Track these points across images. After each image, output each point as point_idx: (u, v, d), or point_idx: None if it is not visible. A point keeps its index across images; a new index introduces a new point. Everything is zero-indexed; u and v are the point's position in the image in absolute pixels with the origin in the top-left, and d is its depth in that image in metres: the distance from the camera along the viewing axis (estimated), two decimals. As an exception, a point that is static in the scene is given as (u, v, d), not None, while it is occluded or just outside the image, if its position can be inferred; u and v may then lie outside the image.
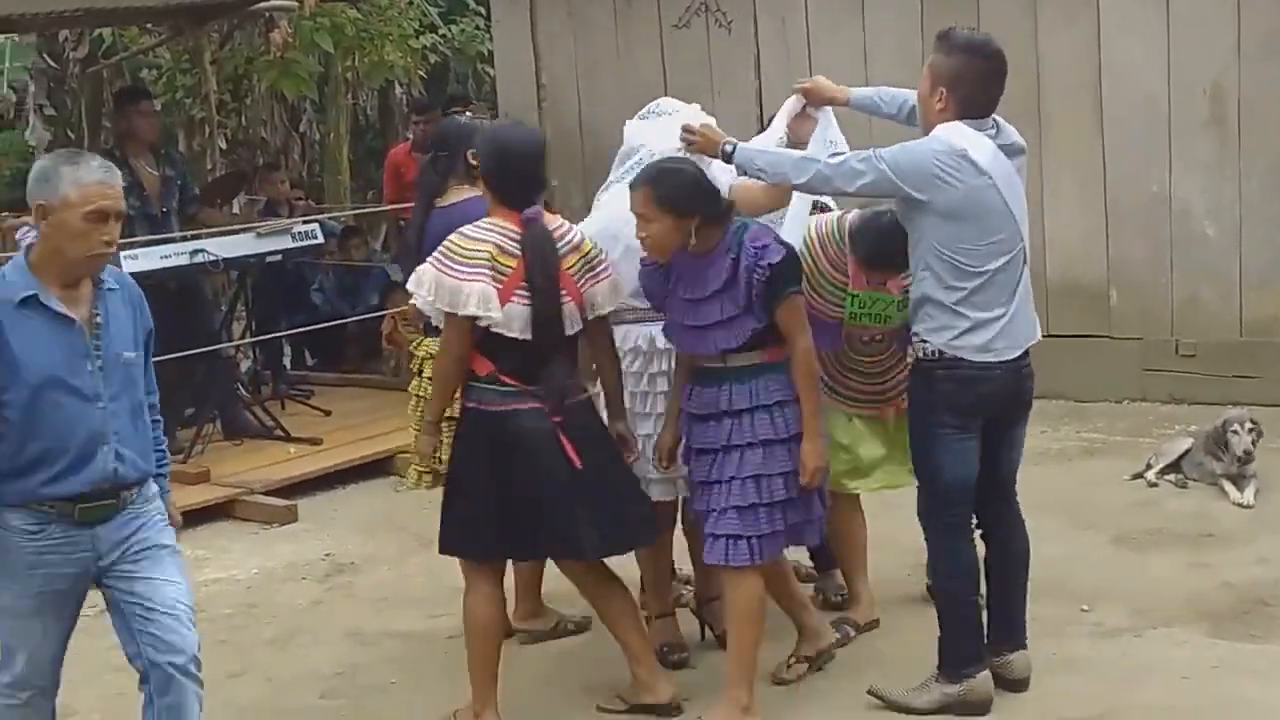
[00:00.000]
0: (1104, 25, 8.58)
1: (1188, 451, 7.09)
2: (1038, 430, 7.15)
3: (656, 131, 5.05)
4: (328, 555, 6.98)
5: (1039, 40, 8.66)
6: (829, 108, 5.12)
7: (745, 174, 4.81)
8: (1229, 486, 6.78)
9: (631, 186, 4.67)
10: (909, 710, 4.74)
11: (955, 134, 4.51)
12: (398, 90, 17.41)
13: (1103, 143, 8.66)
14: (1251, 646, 5.16)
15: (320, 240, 9.28)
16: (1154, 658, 5.11)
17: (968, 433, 4.63)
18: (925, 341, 4.60)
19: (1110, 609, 5.56)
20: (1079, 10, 8.63)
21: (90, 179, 3.87)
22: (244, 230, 9.13)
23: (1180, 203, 8.48)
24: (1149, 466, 7.15)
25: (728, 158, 4.76)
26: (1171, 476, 7.07)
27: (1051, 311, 8.47)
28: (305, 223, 9.43)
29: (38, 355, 3.88)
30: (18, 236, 11.29)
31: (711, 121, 5.01)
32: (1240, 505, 6.65)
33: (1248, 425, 6.85)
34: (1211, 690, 4.81)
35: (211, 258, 8.38)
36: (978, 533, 4.85)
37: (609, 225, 4.97)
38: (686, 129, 4.91)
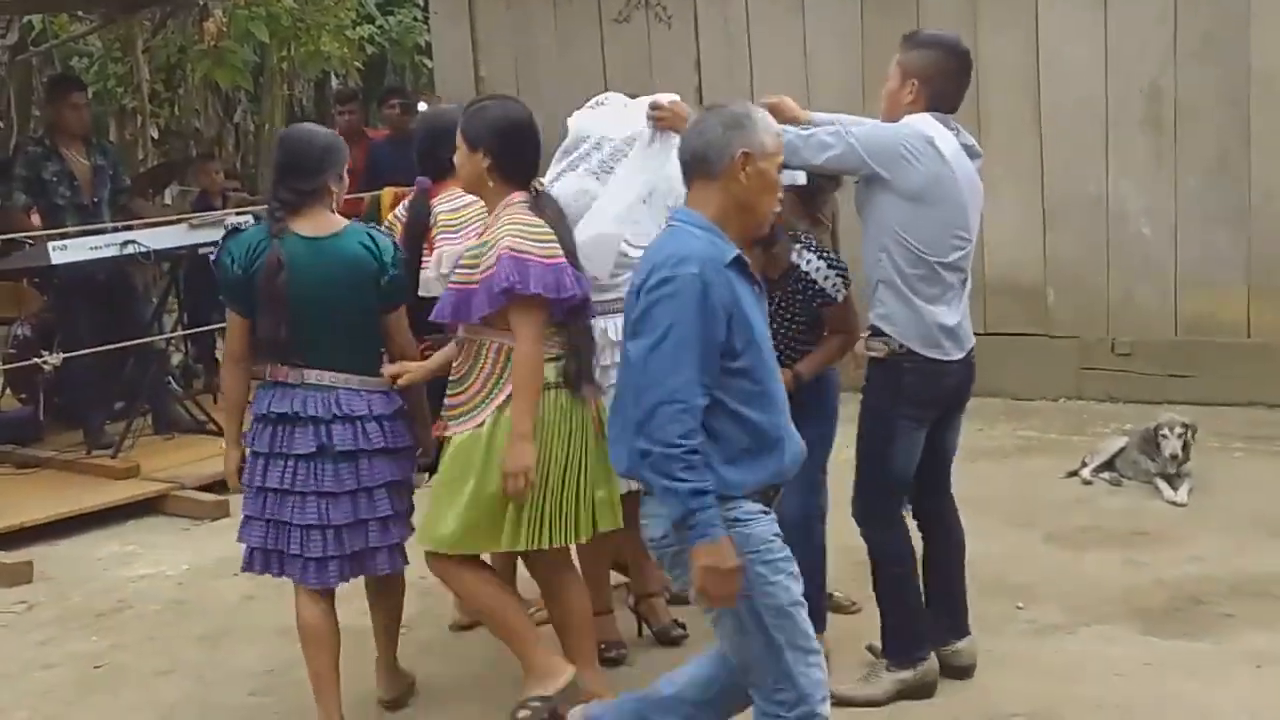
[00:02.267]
0: (1043, 27, 8.64)
1: (1123, 450, 7.14)
2: (975, 428, 7.18)
3: (608, 120, 5.02)
4: (260, 551, 6.89)
5: (978, 41, 8.66)
6: (788, 127, 5.10)
7: None
8: (1163, 485, 6.83)
9: None
10: (870, 703, 4.76)
11: (923, 122, 4.60)
12: (334, 81, 17.30)
13: (1041, 143, 8.71)
14: (1184, 644, 5.19)
15: (254, 232, 9.15)
16: (1088, 654, 5.13)
17: (922, 426, 4.70)
18: (884, 334, 4.62)
19: (1045, 606, 5.58)
20: (1018, 12, 8.68)
21: None
22: (177, 221, 9.01)
23: (1117, 202, 8.55)
24: (1084, 464, 7.19)
25: None
26: (1106, 475, 7.12)
27: (989, 310, 8.54)
28: (239, 214, 9.30)
29: (756, 320, 3.67)
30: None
31: (676, 96, 4.99)
32: (1174, 504, 6.70)
33: (1178, 430, 6.89)
34: (1144, 687, 4.83)
35: (143, 249, 8.25)
36: (914, 525, 4.91)
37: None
38: (655, 104, 4.88)
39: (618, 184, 4.91)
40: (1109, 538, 6.34)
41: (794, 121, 5.10)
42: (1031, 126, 8.71)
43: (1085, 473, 7.14)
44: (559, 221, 4.52)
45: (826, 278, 4.82)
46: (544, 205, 4.54)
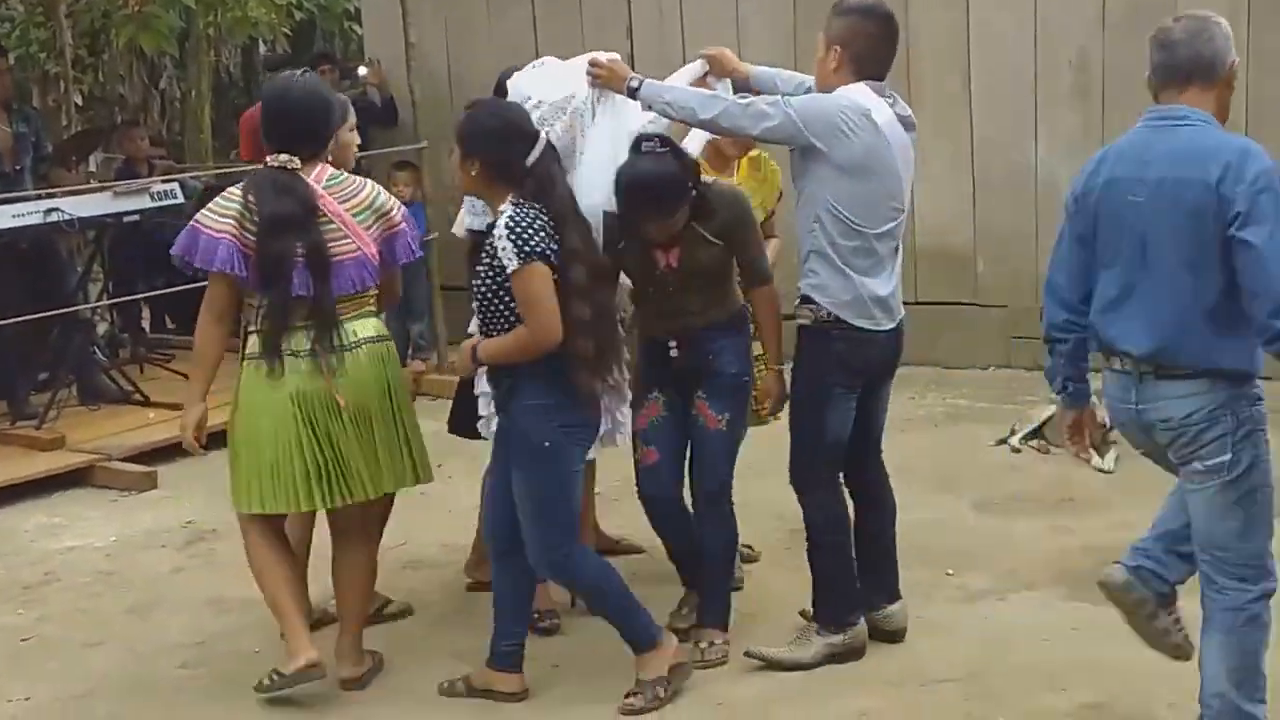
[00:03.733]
0: (973, -5, 8.66)
1: (1051, 418, 7.18)
2: (904, 396, 7.23)
3: (544, 80, 5.00)
4: (188, 523, 6.85)
5: (909, 10, 8.67)
6: (727, 80, 5.10)
7: (650, 109, 4.77)
8: (1091, 452, 6.88)
9: None
10: (798, 666, 4.80)
11: (859, 93, 4.60)
12: (262, 47, 17.10)
13: (971, 113, 8.76)
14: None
15: (180, 200, 9.06)
16: (1017, 620, 5.19)
17: (853, 393, 4.74)
18: (816, 304, 4.63)
19: (974, 573, 5.64)
20: (948, -21, 8.70)
21: None
22: (101, 189, 8.89)
23: (1047, 172, 8.59)
24: (1013, 432, 7.26)
25: (633, 93, 4.75)
26: (1035, 442, 7.19)
27: (919, 279, 8.57)
28: (165, 182, 9.20)
29: None
30: None
31: (616, 55, 4.98)
32: (1101, 471, 6.77)
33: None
34: (1072, 652, 4.89)
35: (67, 217, 8.15)
36: (846, 492, 4.95)
37: None
38: (594, 62, 4.87)
39: (593, 156, 4.89)
40: (1038, 505, 6.41)
41: (734, 74, 5.13)
42: (961, 96, 8.75)
43: (1014, 440, 7.21)
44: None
45: None
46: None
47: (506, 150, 4.50)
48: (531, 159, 4.49)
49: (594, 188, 4.81)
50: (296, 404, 4.66)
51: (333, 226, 4.64)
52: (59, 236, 8.61)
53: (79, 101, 14.07)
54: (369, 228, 4.73)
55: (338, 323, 4.67)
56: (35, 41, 14.48)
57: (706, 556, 5.05)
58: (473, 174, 4.53)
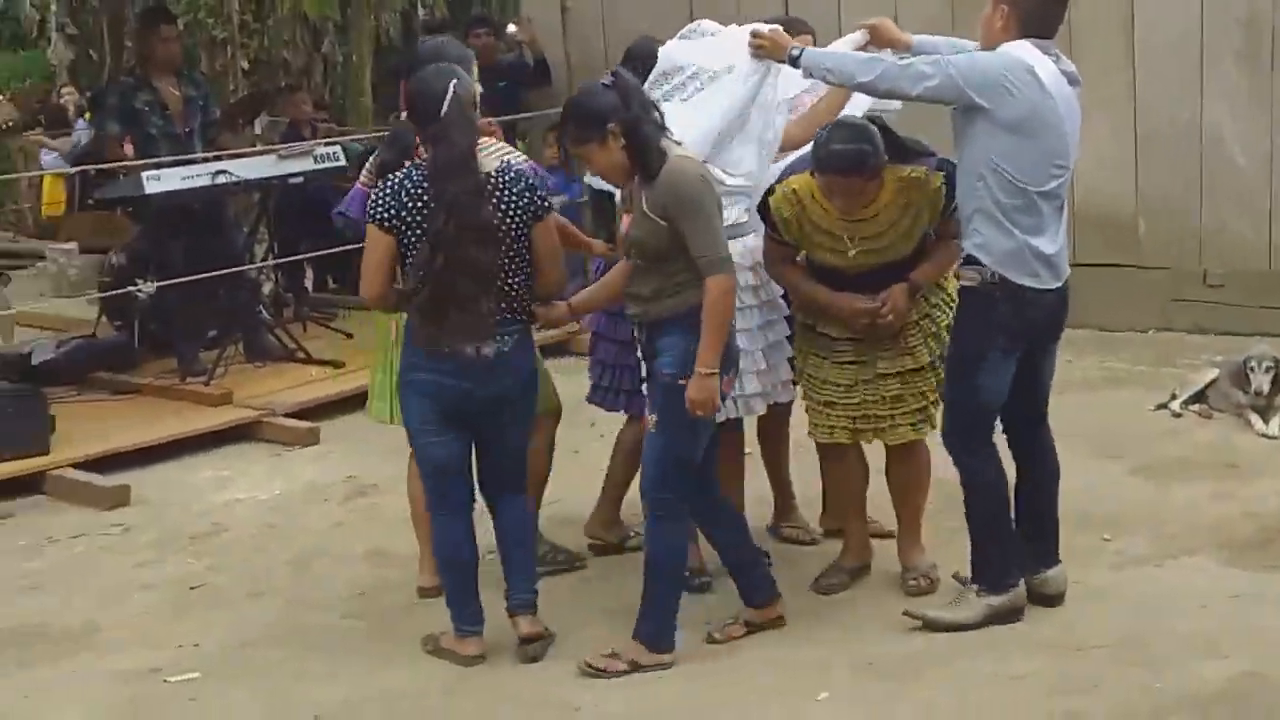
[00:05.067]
0: (1139, -47, 8.47)
1: (1213, 382, 7.06)
2: (1064, 359, 7.02)
3: (702, 50, 5.06)
4: (350, 477, 7.00)
5: (1071, -35, 8.53)
6: (888, 50, 5.07)
7: (810, 76, 4.82)
8: (1254, 418, 6.76)
9: None
10: (958, 627, 4.79)
11: (1023, 50, 4.56)
12: (421, 11, 17.28)
13: (1134, 72, 8.57)
14: (1271, 576, 5.16)
15: (343, 162, 9.23)
16: (1175, 586, 5.12)
17: (1012, 355, 4.70)
18: (980, 264, 4.60)
19: (1132, 538, 5.57)
20: (1113, -66, 8.51)
21: None
22: (266, 152, 9.09)
23: (1211, 131, 8.39)
24: (1174, 397, 7.13)
25: (794, 62, 4.78)
26: (1196, 407, 7.05)
27: (1079, 240, 8.34)
28: (328, 144, 9.38)
29: None
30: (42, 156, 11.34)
31: (777, 26, 5.02)
32: (1265, 436, 6.63)
33: (1266, 364, 6.80)
34: (1230, 618, 4.81)
35: (234, 179, 8.36)
36: (1010, 455, 4.91)
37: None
38: (756, 33, 4.93)
39: (698, 110, 4.93)
40: (1198, 470, 6.29)
41: (894, 44, 5.10)
42: (1125, 56, 8.56)
43: (1175, 405, 7.08)
44: None
45: None
46: None
47: (415, 118, 4.78)
48: (433, 125, 4.63)
49: (744, 159, 4.91)
50: None
51: None
52: (226, 198, 8.84)
53: (245, 66, 14.41)
54: None
55: None
56: (203, 7, 14.82)
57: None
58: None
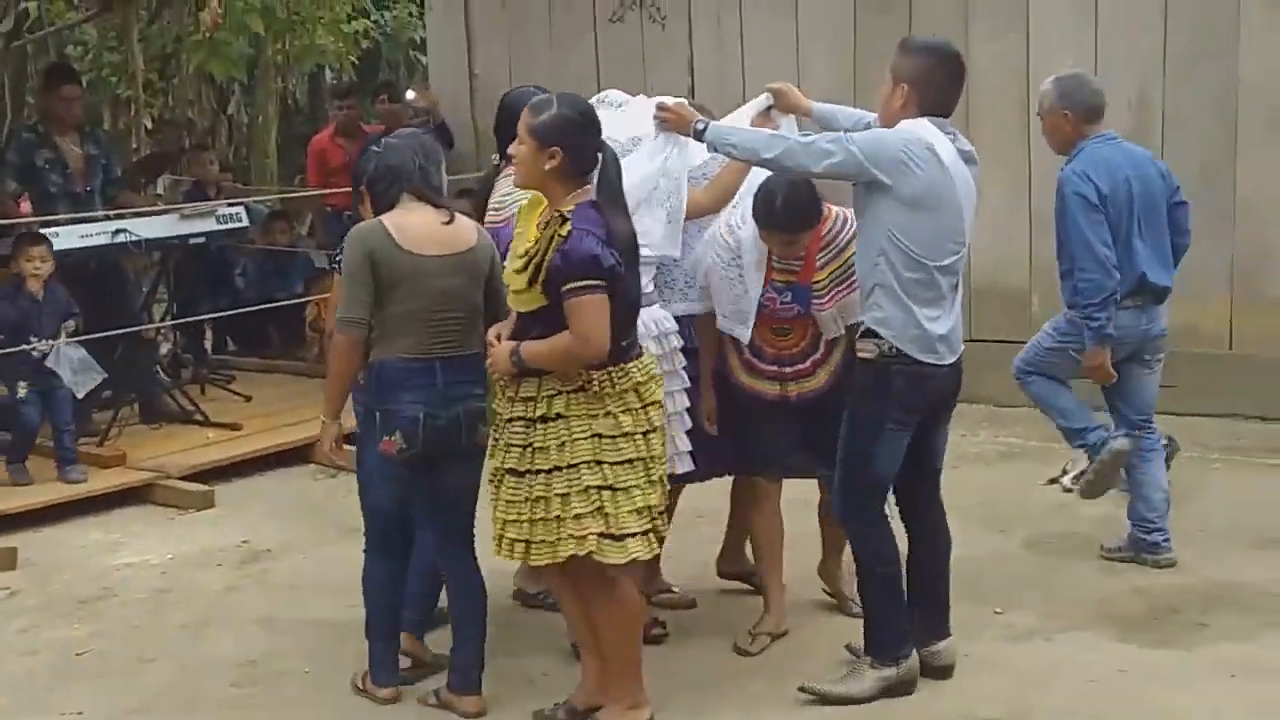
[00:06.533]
0: (1033, 34, 8.68)
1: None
2: (957, 433, 7.16)
3: (609, 120, 5.07)
4: (244, 542, 6.93)
5: (970, 46, 8.69)
6: (791, 116, 5.19)
7: (715, 150, 4.88)
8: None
9: None
10: (850, 700, 4.80)
11: (922, 128, 4.65)
12: (328, 75, 17.31)
13: (1029, 148, 8.74)
14: (1159, 652, 5.23)
15: (245, 224, 9.20)
16: (1064, 660, 5.17)
17: (906, 428, 4.75)
18: (878, 337, 4.67)
19: (1023, 611, 5.62)
20: (1010, 18, 8.72)
21: None
22: (168, 211, 9.02)
23: (1103, 211, 8.56)
24: (1064, 472, 7.23)
25: (699, 135, 4.82)
26: (1086, 482, 7.14)
27: (974, 315, 8.54)
28: (231, 205, 9.34)
29: None
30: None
31: (683, 100, 5.10)
32: (1153, 512, 6.72)
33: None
34: (1118, 694, 4.87)
35: (134, 238, 8.30)
36: (901, 525, 4.96)
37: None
38: (662, 106, 4.98)
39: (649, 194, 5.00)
40: (1088, 545, 6.37)
41: (796, 109, 5.20)
42: (1020, 132, 8.74)
43: (1065, 480, 7.18)
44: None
45: None
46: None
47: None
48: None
49: (651, 230, 4.94)
50: None
51: None
52: (126, 257, 8.75)
53: (149, 125, 14.30)
54: None
55: None
56: (108, 65, 14.73)
57: None
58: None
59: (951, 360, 4.77)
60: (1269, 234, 8.21)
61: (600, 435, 4.35)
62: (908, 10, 8.87)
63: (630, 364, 4.40)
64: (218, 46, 13.47)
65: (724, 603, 5.76)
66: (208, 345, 10.56)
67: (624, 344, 4.38)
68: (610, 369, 4.34)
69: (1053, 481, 7.24)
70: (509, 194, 5.16)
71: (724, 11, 9.57)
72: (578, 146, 4.37)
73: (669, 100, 5.03)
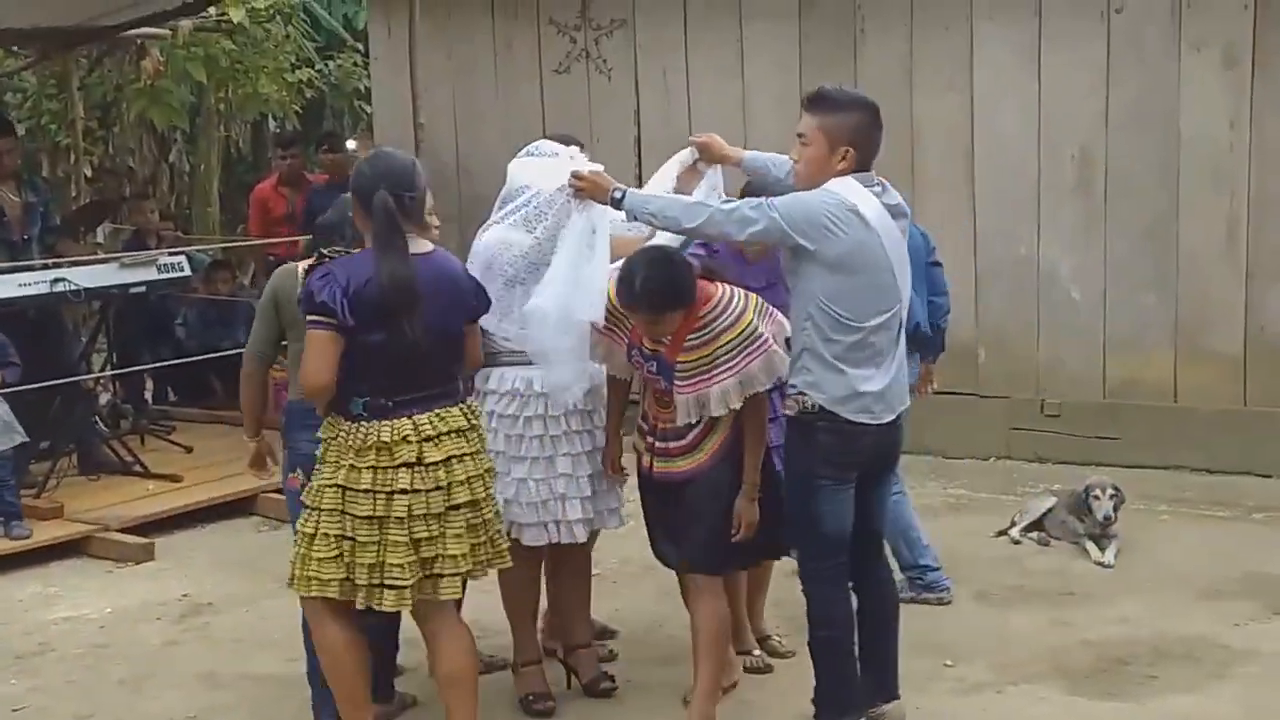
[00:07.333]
0: (978, 91, 8.75)
1: (1051, 510, 7.19)
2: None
3: (540, 172, 5.03)
4: (184, 595, 6.82)
5: (914, 103, 8.80)
6: (718, 167, 5.13)
7: (634, 219, 4.79)
8: (1090, 546, 6.88)
9: None
10: None
11: (845, 189, 4.55)
12: (271, 124, 17.22)
13: (974, 205, 8.81)
14: (1108, 704, 5.23)
15: (186, 273, 9.10)
16: (1014, 714, 5.16)
17: (844, 484, 4.65)
18: (804, 395, 4.59)
19: (972, 665, 5.61)
20: (954, 75, 8.79)
21: None
22: (108, 260, 8.93)
23: (1048, 265, 8.66)
24: (1013, 524, 7.24)
25: (616, 204, 4.75)
26: (1034, 534, 7.16)
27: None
28: (172, 254, 9.25)
29: None
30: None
31: (599, 167, 5.00)
32: (1101, 565, 6.75)
33: (1109, 491, 6.94)
34: (1070, 747, 4.87)
35: (73, 287, 8.19)
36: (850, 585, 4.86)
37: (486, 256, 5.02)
38: (576, 174, 4.88)
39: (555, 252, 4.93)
40: (1037, 597, 6.39)
41: (725, 160, 5.13)
42: (964, 188, 8.81)
43: (1014, 532, 7.19)
44: None
45: None
46: None
47: None
48: None
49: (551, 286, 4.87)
50: None
51: None
52: (64, 306, 8.64)
53: (89, 173, 14.17)
54: None
55: None
56: (47, 113, 14.60)
57: None
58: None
59: (889, 419, 4.66)
60: (1211, 288, 8.30)
61: (342, 487, 4.39)
62: (852, 64, 8.94)
63: (384, 423, 4.37)
64: (159, 94, 13.42)
65: (678, 654, 5.71)
66: (148, 395, 10.44)
67: (383, 401, 4.37)
68: (360, 422, 4.37)
69: (1001, 533, 7.24)
70: None
71: (669, 65, 9.60)
72: (365, 203, 4.44)
73: (585, 167, 4.94)
